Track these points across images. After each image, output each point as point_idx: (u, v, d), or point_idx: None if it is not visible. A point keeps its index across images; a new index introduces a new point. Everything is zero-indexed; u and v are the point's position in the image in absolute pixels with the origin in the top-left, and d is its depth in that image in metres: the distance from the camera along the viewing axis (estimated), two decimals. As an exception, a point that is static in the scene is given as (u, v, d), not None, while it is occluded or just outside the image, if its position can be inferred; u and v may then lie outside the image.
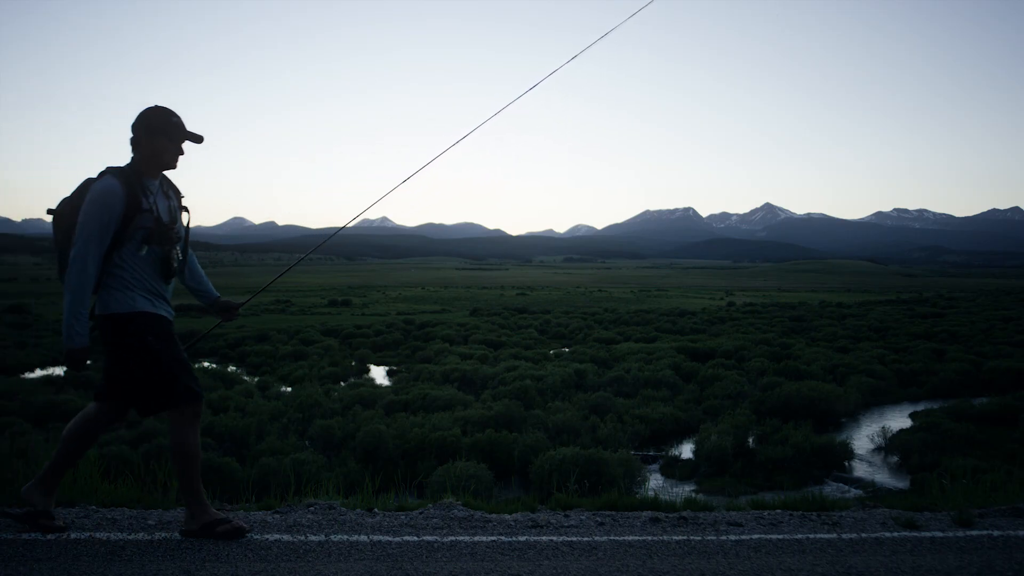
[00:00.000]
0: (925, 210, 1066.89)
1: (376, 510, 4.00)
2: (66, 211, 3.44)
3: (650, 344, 29.95)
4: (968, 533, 3.76)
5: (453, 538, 3.50)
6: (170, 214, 3.50)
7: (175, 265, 3.53)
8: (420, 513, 3.95)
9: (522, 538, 3.54)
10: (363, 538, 3.47)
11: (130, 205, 3.35)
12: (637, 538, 3.57)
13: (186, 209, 3.63)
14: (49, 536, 3.34)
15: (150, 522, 3.63)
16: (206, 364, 26.46)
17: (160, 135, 3.45)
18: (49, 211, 3.51)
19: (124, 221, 3.34)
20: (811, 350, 26.57)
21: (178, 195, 3.62)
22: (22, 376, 23.24)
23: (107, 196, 3.32)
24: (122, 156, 3.66)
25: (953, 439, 13.32)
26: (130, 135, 3.49)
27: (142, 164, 3.47)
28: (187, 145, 3.56)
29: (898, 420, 16.76)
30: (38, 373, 24.44)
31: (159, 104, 3.52)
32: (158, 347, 3.36)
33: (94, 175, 3.45)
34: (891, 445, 13.83)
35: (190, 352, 3.74)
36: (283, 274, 5.02)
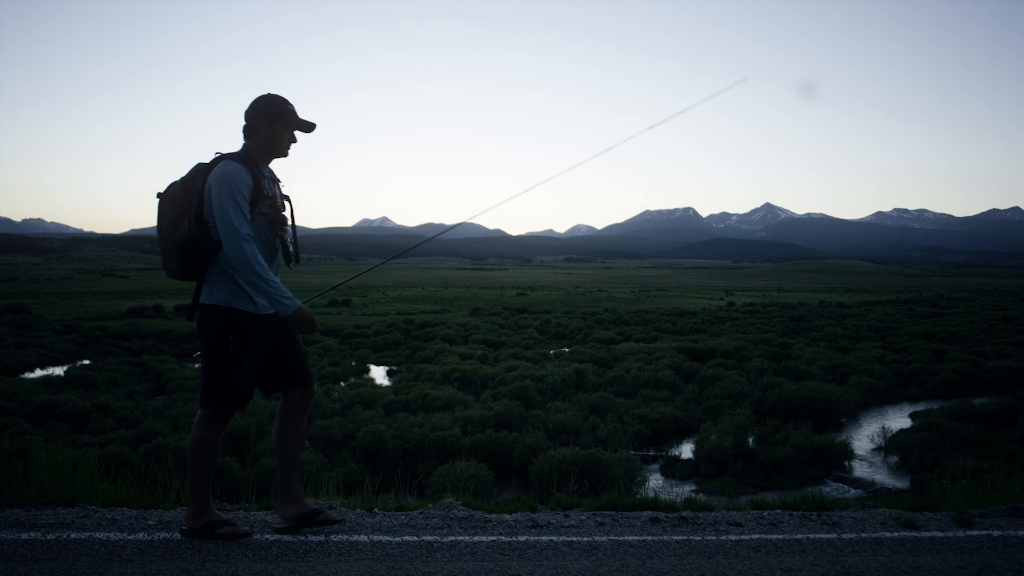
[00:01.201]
0: (925, 210, 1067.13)
1: (376, 510, 4.00)
2: (178, 194, 3.38)
3: (650, 344, 29.95)
4: (968, 533, 3.76)
5: (453, 538, 3.50)
6: (280, 201, 3.51)
7: (291, 251, 3.53)
8: (420, 513, 3.95)
9: (522, 538, 3.54)
10: (363, 538, 3.47)
11: (255, 190, 3.35)
12: (637, 538, 3.57)
13: (288, 198, 3.60)
14: (50, 536, 3.34)
15: (150, 522, 3.63)
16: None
17: (277, 123, 3.45)
18: (158, 195, 3.45)
19: (249, 206, 3.32)
20: (811, 350, 26.56)
21: (280, 183, 3.61)
22: (22, 376, 23.23)
23: (239, 174, 3.30)
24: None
25: (953, 439, 13.31)
26: (243, 123, 3.48)
27: (257, 151, 3.46)
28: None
29: (898, 420, 16.76)
30: (38, 373, 24.44)
31: (273, 92, 3.53)
32: (234, 350, 3.34)
33: (205, 160, 3.42)
34: (891, 445, 13.83)
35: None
36: (357, 276, 4.96)
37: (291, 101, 3.50)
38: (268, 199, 3.39)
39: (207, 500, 3.44)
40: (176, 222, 3.35)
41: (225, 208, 3.23)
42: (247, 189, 3.30)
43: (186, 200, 3.35)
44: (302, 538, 3.44)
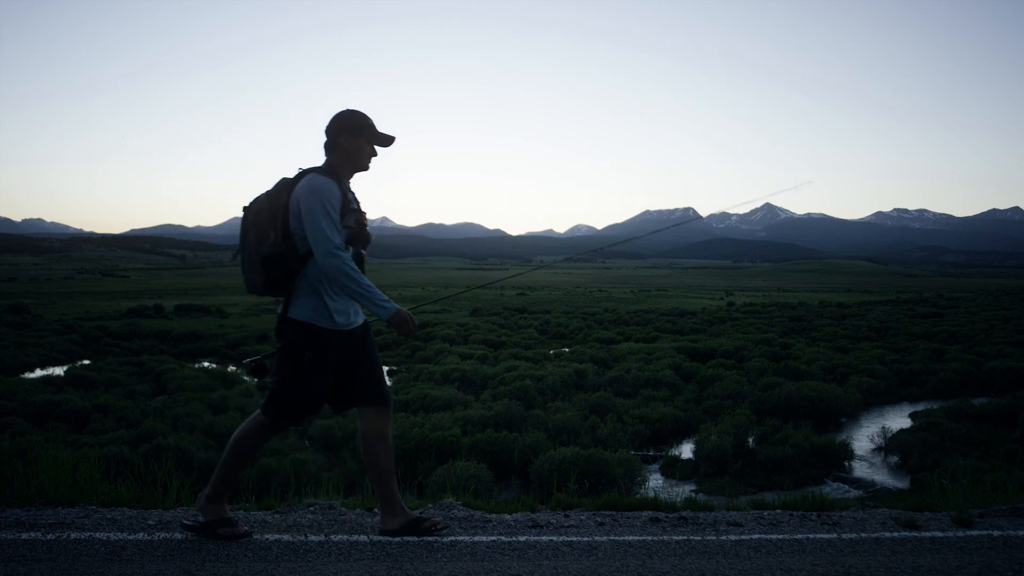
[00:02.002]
0: (925, 210, 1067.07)
1: (376, 510, 4.00)
2: (264, 208, 3.39)
3: (650, 344, 29.94)
4: (968, 533, 3.76)
5: (453, 538, 3.50)
6: (364, 216, 3.53)
7: (363, 267, 3.54)
8: (420, 513, 3.95)
9: (522, 538, 3.54)
10: (363, 538, 3.47)
11: (343, 204, 3.36)
12: (637, 538, 3.57)
13: (363, 212, 3.63)
14: (50, 536, 3.34)
15: (150, 522, 3.63)
16: (206, 364, 26.48)
17: (360, 136, 3.47)
18: (244, 208, 3.46)
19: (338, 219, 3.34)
20: (811, 350, 26.55)
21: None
22: (22, 376, 23.23)
23: (329, 187, 3.32)
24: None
25: (953, 439, 13.31)
26: (325, 139, 3.50)
27: (340, 165, 3.48)
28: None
29: (898, 420, 16.75)
30: (38, 373, 24.44)
31: (352, 107, 3.55)
32: (309, 366, 3.35)
33: (289, 175, 3.43)
34: (891, 445, 13.82)
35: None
36: (513, 276, 4.98)
37: (370, 116, 3.54)
38: (354, 213, 3.42)
39: (224, 497, 3.48)
40: (261, 236, 3.36)
41: (317, 220, 3.24)
42: (337, 202, 3.32)
43: (271, 214, 3.36)
44: (302, 538, 3.44)
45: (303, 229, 3.31)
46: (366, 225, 3.50)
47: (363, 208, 3.56)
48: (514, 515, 3.97)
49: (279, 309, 3.46)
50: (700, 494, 8.98)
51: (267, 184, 3.50)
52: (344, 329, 3.42)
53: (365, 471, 3.64)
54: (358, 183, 3.64)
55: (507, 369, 21.19)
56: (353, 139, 3.46)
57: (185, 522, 3.50)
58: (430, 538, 3.50)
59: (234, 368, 25.56)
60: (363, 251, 3.51)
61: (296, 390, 3.36)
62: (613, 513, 4.10)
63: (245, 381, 22.05)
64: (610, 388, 18.63)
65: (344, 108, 3.52)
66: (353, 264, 3.30)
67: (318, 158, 3.54)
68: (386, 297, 3.32)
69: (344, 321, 3.42)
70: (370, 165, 3.55)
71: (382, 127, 3.57)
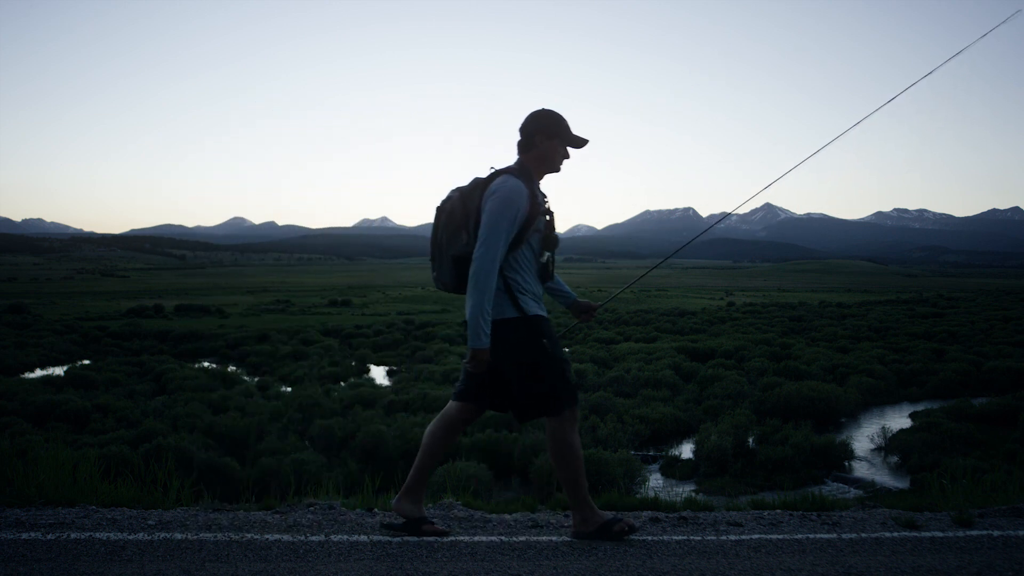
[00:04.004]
0: (925, 210, 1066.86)
1: (376, 510, 4.00)
2: (457, 208, 3.38)
3: (650, 344, 29.95)
4: (968, 533, 3.76)
5: (453, 538, 3.50)
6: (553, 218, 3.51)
7: (550, 269, 3.53)
8: (615, 515, 3.92)
9: (522, 538, 3.54)
10: (363, 538, 3.47)
11: (532, 206, 3.33)
12: (637, 538, 3.57)
13: (553, 213, 3.59)
14: (50, 536, 3.34)
15: (150, 522, 3.63)
16: (206, 364, 26.47)
17: (555, 138, 3.43)
18: (437, 208, 3.46)
19: (526, 223, 3.32)
20: (811, 350, 26.56)
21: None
22: (22, 376, 23.23)
23: (518, 195, 3.29)
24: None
25: (953, 439, 13.32)
26: (519, 138, 3.47)
27: (533, 166, 3.45)
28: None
29: (898, 420, 16.76)
30: (38, 373, 24.44)
31: (547, 107, 3.50)
32: (551, 352, 3.35)
33: (482, 175, 3.42)
34: (891, 445, 13.83)
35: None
36: (645, 274, 4.93)
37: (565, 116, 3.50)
38: (543, 215, 3.40)
39: (590, 501, 3.50)
40: (454, 235, 3.36)
41: (495, 222, 3.23)
42: (524, 207, 3.30)
43: (464, 214, 3.35)
44: (302, 538, 3.44)
45: None
46: (555, 228, 3.47)
47: (552, 209, 3.52)
48: (514, 515, 3.97)
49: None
50: (700, 494, 8.99)
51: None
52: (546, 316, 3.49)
53: (420, 451, 3.60)
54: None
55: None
56: (547, 141, 3.42)
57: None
58: (430, 537, 3.50)
59: (233, 368, 25.57)
60: (552, 254, 3.49)
61: (561, 372, 3.35)
62: (613, 513, 4.10)
63: (245, 381, 22.05)
64: (610, 388, 18.64)
65: (540, 108, 3.48)
66: (489, 283, 3.23)
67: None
68: (489, 331, 3.26)
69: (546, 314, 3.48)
70: (562, 167, 3.51)
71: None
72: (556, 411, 3.37)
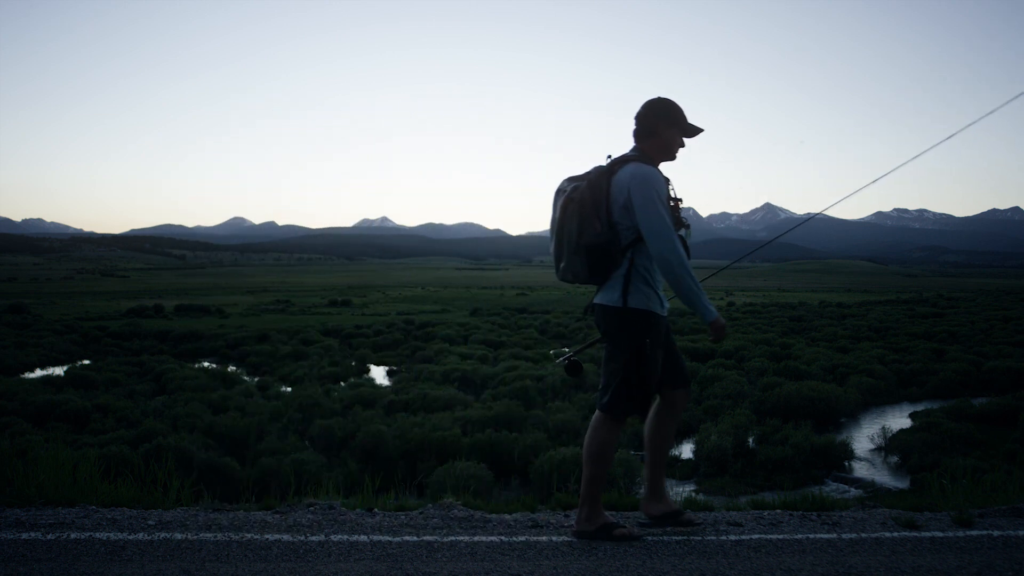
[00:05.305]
0: (925, 210, 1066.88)
1: (376, 510, 4.00)
2: (586, 197, 3.35)
3: (650, 344, 29.89)
4: (968, 533, 3.76)
5: (453, 538, 3.50)
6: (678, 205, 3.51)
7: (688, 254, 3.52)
8: (420, 513, 3.95)
9: (522, 538, 3.54)
10: (363, 538, 3.47)
11: (666, 192, 3.36)
12: (637, 538, 3.56)
13: (680, 199, 3.60)
14: (50, 536, 3.34)
15: (150, 522, 3.63)
16: (206, 364, 26.47)
17: (675, 127, 3.44)
18: (565, 199, 3.42)
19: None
20: (811, 350, 26.55)
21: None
22: (22, 376, 23.23)
23: (657, 176, 3.31)
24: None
25: (953, 439, 13.30)
26: (635, 126, 3.46)
27: (653, 154, 3.45)
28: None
29: (898, 420, 16.75)
30: (38, 373, 24.44)
31: (664, 96, 3.48)
32: (650, 353, 3.36)
33: (602, 164, 3.42)
34: (891, 445, 13.82)
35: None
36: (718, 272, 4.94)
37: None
38: (672, 202, 3.42)
39: (600, 503, 3.53)
40: (585, 225, 3.33)
41: (657, 211, 3.24)
42: (664, 191, 3.32)
43: (594, 204, 3.33)
44: (302, 538, 3.44)
45: (628, 220, 3.30)
46: (680, 213, 3.49)
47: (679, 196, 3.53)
48: (514, 515, 3.97)
49: (595, 298, 3.45)
50: (700, 494, 8.98)
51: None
52: (665, 315, 3.49)
53: (646, 452, 3.68)
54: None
55: (507, 369, 21.20)
56: (667, 129, 3.43)
57: (580, 528, 3.53)
58: (430, 537, 3.50)
59: (233, 368, 25.56)
60: (684, 239, 3.49)
61: (645, 380, 3.36)
62: (613, 513, 4.10)
63: (245, 381, 22.04)
64: (610, 388, 18.63)
65: (658, 96, 3.46)
66: (684, 259, 3.28)
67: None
68: (709, 306, 3.30)
69: (666, 307, 3.49)
70: (677, 156, 3.52)
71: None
72: (612, 410, 3.41)
